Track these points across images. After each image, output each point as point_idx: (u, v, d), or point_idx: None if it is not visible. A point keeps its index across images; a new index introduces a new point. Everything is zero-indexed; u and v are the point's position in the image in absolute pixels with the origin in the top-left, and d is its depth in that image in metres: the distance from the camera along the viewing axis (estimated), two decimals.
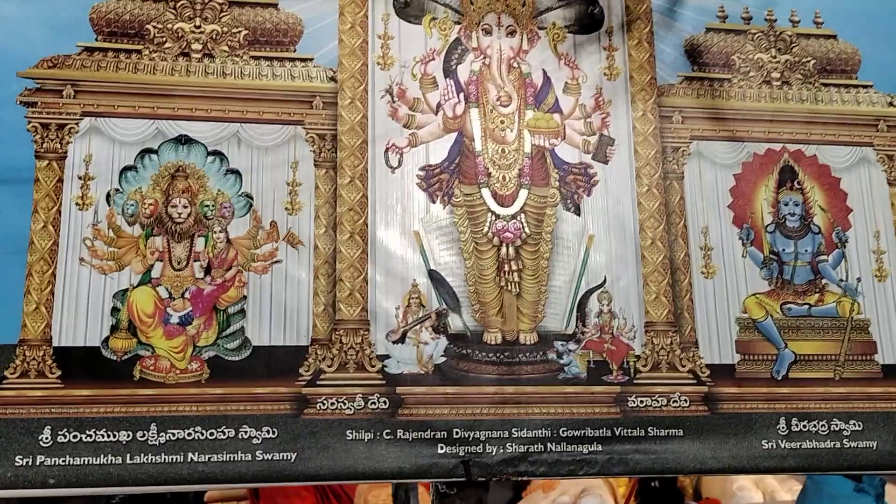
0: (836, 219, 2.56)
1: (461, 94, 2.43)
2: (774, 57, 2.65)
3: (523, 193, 2.40)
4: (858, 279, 2.52)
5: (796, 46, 2.68)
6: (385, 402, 2.20)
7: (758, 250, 2.50)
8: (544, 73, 2.49)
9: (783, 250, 2.51)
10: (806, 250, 2.52)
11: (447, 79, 2.44)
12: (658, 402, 2.31)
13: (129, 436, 2.08)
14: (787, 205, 2.55)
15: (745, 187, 2.54)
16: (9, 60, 2.22)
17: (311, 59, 2.39)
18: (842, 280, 2.52)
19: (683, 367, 2.37)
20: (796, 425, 2.34)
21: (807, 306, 2.48)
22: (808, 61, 2.67)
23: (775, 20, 2.69)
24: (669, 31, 2.60)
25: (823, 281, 2.51)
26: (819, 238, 2.54)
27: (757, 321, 2.44)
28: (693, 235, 2.47)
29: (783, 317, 2.46)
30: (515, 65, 2.48)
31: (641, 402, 2.30)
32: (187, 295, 2.19)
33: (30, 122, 2.22)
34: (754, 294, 2.46)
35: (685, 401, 2.32)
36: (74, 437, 2.07)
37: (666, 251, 2.43)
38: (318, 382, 2.20)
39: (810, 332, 2.46)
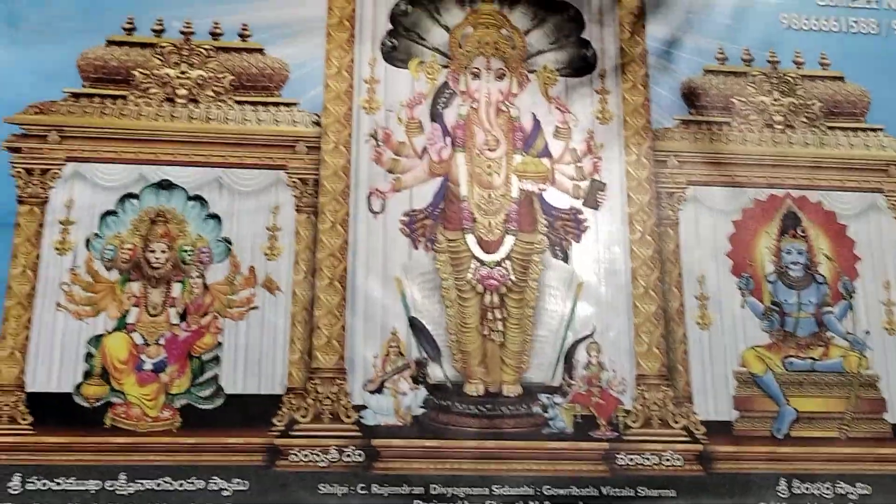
0: (843, 268, 2.44)
1: (448, 139, 2.39)
2: (777, 99, 2.56)
3: (509, 240, 2.34)
4: (867, 332, 2.38)
5: (801, 88, 2.59)
6: (360, 455, 2.13)
7: (758, 300, 2.39)
8: (534, 116, 2.44)
9: (785, 301, 2.40)
10: (810, 301, 2.40)
11: (434, 123, 2.40)
12: (649, 460, 2.20)
13: (98, 485, 2.05)
14: (789, 253, 2.44)
15: (744, 234, 2.44)
16: None
17: (296, 104, 2.38)
18: (848, 333, 2.39)
19: (677, 423, 2.26)
20: (798, 487, 2.20)
21: (810, 360, 2.36)
22: (814, 104, 2.57)
23: (778, 62, 2.60)
24: (665, 73, 2.53)
25: (828, 333, 2.39)
26: (824, 288, 2.42)
27: (756, 376, 2.32)
28: (689, 284, 2.37)
29: (785, 371, 2.34)
30: (504, 108, 2.44)
31: (631, 459, 2.20)
32: (162, 341, 2.17)
33: (14, 168, 2.24)
34: (754, 347, 2.35)
35: (678, 459, 2.21)
36: (44, 485, 2.04)
37: (659, 300, 2.34)
38: (292, 433, 2.14)
39: (814, 387, 2.33)
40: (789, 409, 2.30)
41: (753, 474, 2.21)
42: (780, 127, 2.54)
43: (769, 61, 2.60)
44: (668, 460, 2.20)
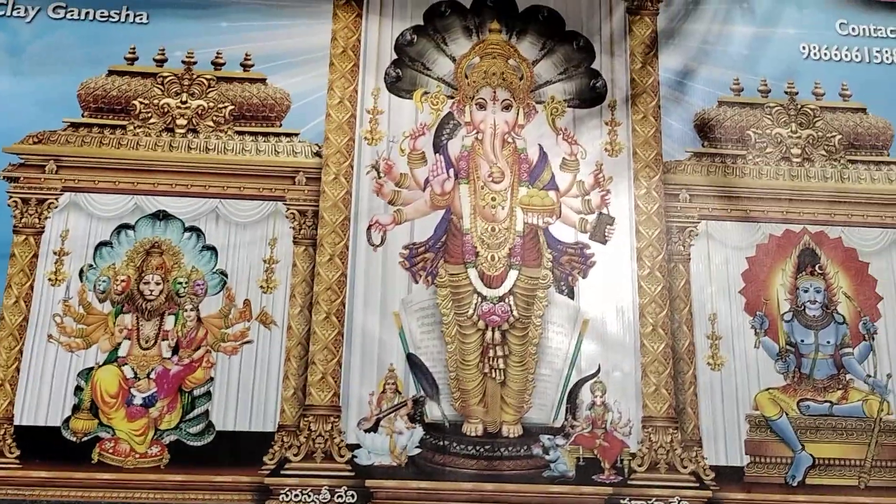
0: (864, 308, 2.33)
1: (451, 170, 2.33)
2: (795, 132, 2.47)
3: (513, 274, 2.26)
4: (889, 375, 2.27)
5: (820, 120, 2.49)
6: (353, 496, 2.06)
7: (773, 341, 2.28)
8: (540, 148, 2.38)
9: (802, 341, 2.29)
10: (828, 342, 2.29)
11: (437, 154, 2.35)
12: None
13: None
14: (807, 291, 2.33)
15: (759, 271, 2.34)
16: None
17: (296, 134, 2.34)
18: (869, 376, 2.27)
19: (685, 468, 2.16)
20: None
21: (828, 404, 2.24)
22: (834, 136, 2.48)
23: (797, 93, 2.52)
24: (678, 104, 2.46)
25: (848, 376, 2.27)
26: (843, 328, 2.31)
27: (770, 419, 2.21)
28: (699, 323, 2.28)
29: (800, 415, 2.23)
30: (510, 140, 2.38)
31: None
32: (153, 375, 2.12)
33: (10, 197, 2.22)
34: (767, 389, 2.24)
35: None
36: None
37: (668, 339, 2.25)
38: (283, 472, 2.08)
39: (832, 433, 2.22)
40: (805, 455, 2.19)
41: None
42: (797, 160, 2.45)
43: (787, 92, 2.51)
44: None
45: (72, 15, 2.38)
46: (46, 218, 2.22)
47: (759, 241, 2.37)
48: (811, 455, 2.19)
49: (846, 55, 2.57)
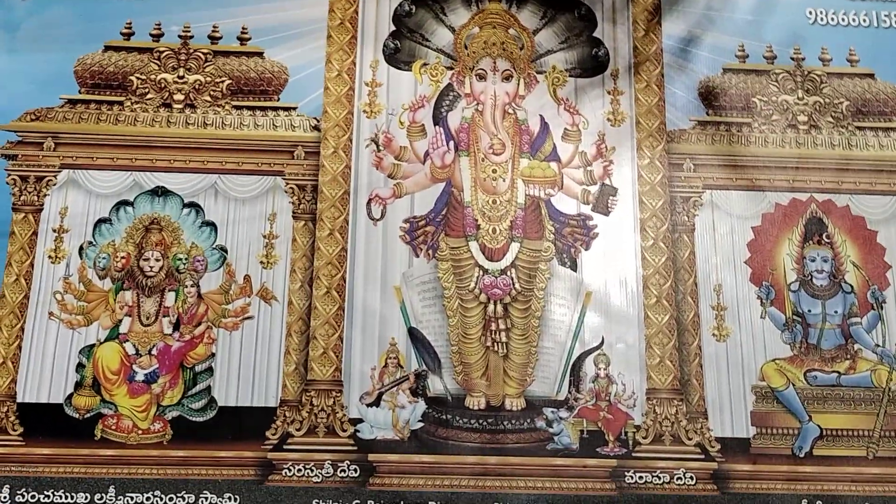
0: (872, 276, 2.29)
1: (451, 143, 2.30)
2: (801, 98, 2.43)
3: (514, 247, 2.24)
4: None
5: (827, 87, 2.45)
6: (356, 470, 2.06)
7: (779, 311, 2.25)
8: (542, 119, 2.35)
9: (809, 311, 2.26)
10: (835, 311, 2.26)
11: (437, 126, 2.32)
12: (660, 478, 2.09)
13: (87, 498, 2.01)
14: (814, 260, 2.30)
15: (765, 241, 2.31)
16: None
17: (294, 108, 2.32)
18: (877, 345, 2.24)
19: (690, 439, 2.14)
20: None
21: (835, 374, 2.21)
22: (841, 103, 2.43)
23: (803, 59, 2.47)
24: (682, 72, 2.42)
25: (856, 346, 2.24)
26: (851, 298, 2.27)
27: (776, 390, 2.19)
28: (704, 294, 2.25)
29: (807, 386, 2.20)
30: (511, 111, 2.34)
31: (641, 478, 2.08)
32: (154, 351, 2.12)
33: (9, 175, 2.22)
34: (774, 360, 2.21)
35: (691, 478, 2.09)
36: (33, 496, 2.01)
37: (673, 311, 2.22)
38: (286, 447, 2.07)
39: (839, 403, 2.19)
40: (812, 426, 2.16)
41: (772, 495, 2.08)
42: (804, 127, 2.40)
43: (793, 58, 2.47)
44: (680, 479, 2.09)
45: None
46: (45, 195, 2.21)
47: (764, 211, 2.33)
48: (818, 426, 2.17)
49: (854, 20, 2.52)
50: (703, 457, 2.12)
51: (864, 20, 2.51)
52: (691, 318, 2.23)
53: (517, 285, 2.22)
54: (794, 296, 2.27)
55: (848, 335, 2.25)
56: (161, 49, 2.34)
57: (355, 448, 2.08)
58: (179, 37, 2.36)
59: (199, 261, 2.18)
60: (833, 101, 2.44)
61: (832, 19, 2.52)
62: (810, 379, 2.21)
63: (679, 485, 2.08)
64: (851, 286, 2.29)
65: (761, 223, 2.32)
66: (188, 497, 2.01)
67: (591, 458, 2.10)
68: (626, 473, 2.09)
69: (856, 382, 2.21)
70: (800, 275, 2.29)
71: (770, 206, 2.33)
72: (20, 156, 2.23)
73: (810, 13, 2.52)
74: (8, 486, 2.01)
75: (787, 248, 2.31)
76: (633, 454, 2.11)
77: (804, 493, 2.09)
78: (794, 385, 2.20)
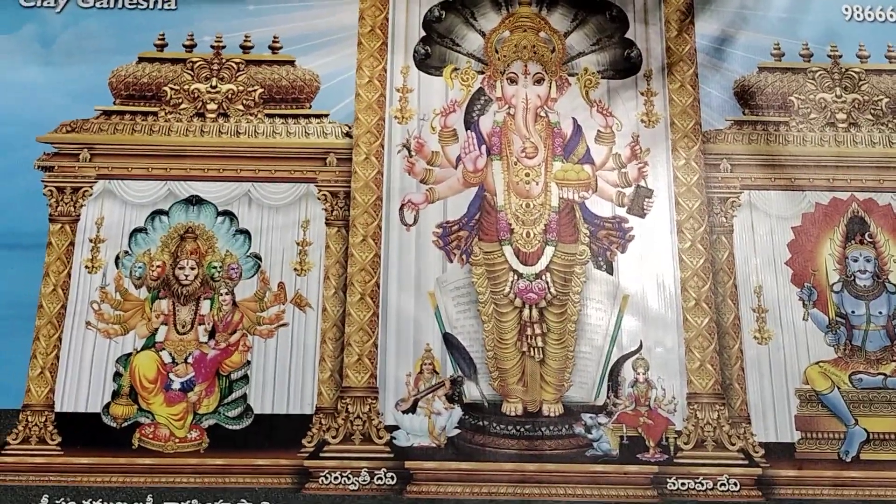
0: None
1: (483, 147, 2.29)
2: (840, 96, 2.38)
3: (549, 251, 2.22)
4: None
5: (866, 84, 2.40)
6: (392, 478, 2.04)
7: (822, 312, 2.21)
8: (574, 121, 2.32)
9: (852, 312, 2.21)
10: (880, 312, 2.21)
11: (468, 131, 2.31)
12: (702, 485, 2.04)
13: None
14: (856, 261, 2.25)
15: (805, 241, 2.26)
16: (29, 125, 2.26)
17: (326, 115, 2.32)
18: None
19: (733, 445, 2.09)
20: None
21: (881, 377, 2.16)
22: (881, 100, 2.39)
23: (840, 56, 2.42)
24: (716, 72, 2.39)
25: None
26: None
27: (821, 393, 2.14)
28: (744, 296, 2.21)
29: (853, 389, 2.15)
30: (543, 114, 2.33)
31: (683, 484, 2.04)
32: (190, 360, 2.12)
33: (46, 187, 2.24)
34: (818, 362, 2.17)
35: (734, 484, 2.04)
36: None
37: (712, 313, 2.18)
38: (322, 454, 2.06)
39: (886, 406, 2.14)
40: (858, 430, 2.11)
41: (819, 501, 2.03)
42: (843, 125, 2.36)
43: (830, 56, 2.43)
44: (723, 485, 2.04)
45: (101, 4, 2.39)
46: (81, 206, 2.23)
47: (804, 210, 2.29)
48: (865, 429, 2.11)
49: (891, 16, 2.47)
50: (746, 462, 2.08)
51: None
52: (731, 320, 2.19)
53: (552, 289, 2.19)
54: (836, 297, 2.22)
55: (894, 336, 2.20)
56: (194, 59, 2.36)
57: (392, 455, 2.06)
58: (212, 47, 2.37)
59: (233, 269, 2.19)
60: (872, 98, 2.39)
61: (869, 16, 2.47)
62: (855, 382, 2.16)
63: (723, 491, 2.04)
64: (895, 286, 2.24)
65: (801, 223, 2.27)
66: None
67: (631, 464, 2.07)
68: (667, 480, 2.05)
69: None
70: (842, 275, 2.24)
71: (810, 205, 2.29)
72: (56, 167, 2.25)
73: (846, 10, 2.48)
74: (47, 495, 2.02)
75: (828, 249, 2.26)
76: (675, 460, 2.07)
77: (852, 499, 2.04)
78: (838, 388, 2.15)
